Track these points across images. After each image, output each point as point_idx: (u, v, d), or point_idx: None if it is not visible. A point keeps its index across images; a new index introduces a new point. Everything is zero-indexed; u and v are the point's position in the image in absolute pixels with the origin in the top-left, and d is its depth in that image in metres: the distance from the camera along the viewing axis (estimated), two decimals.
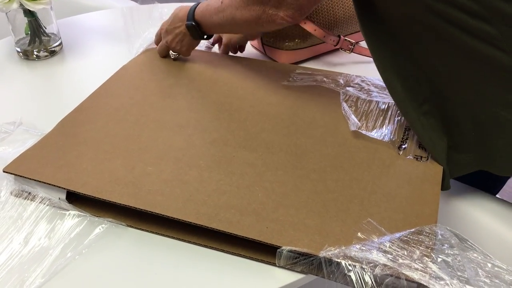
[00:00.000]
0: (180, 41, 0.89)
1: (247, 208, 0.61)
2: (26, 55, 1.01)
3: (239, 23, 0.78)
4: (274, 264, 0.58)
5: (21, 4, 0.92)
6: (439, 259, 0.54)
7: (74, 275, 0.57)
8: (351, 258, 0.55)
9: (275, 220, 0.60)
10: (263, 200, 0.63)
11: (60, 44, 1.05)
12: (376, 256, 0.55)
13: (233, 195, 0.63)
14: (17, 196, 0.66)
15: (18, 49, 1.01)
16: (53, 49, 1.03)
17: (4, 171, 0.66)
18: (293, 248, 0.56)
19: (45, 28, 1.02)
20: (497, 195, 0.97)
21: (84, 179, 0.65)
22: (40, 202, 0.65)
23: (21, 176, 0.65)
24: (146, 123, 0.76)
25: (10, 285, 0.56)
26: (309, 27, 0.93)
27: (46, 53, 1.02)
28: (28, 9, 0.94)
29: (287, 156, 0.70)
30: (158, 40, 0.96)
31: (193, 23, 0.85)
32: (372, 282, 0.54)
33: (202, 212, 0.60)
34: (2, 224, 0.63)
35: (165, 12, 1.10)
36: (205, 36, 0.88)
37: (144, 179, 0.65)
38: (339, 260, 0.55)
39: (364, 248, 0.56)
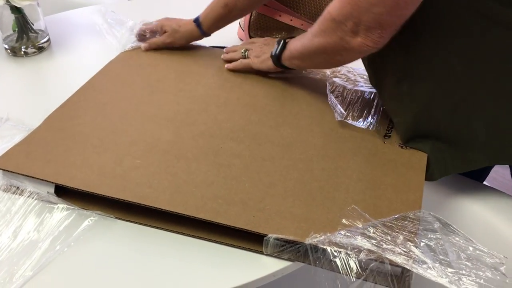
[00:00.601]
0: (263, 54, 0.88)
1: (234, 198, 0.62)
2: (14, 51, 1.01)
3: (316, 52, 0.72)
4: (261, 253, 0.59)
5: (7, 1, 0.92)
6: (422, 243, 0.56)
7: (63, 267, 0.58)
8: (336, 244, 0.56)
9: (261, 209, 0.61)
10: (250, 190, 0.63)
11: (48, 40, 1.05)
12: (361, 241, 0.56)
13: (220, 185, 0.64)
14: (5, 191, 0.67)
15: (6, 46, 1.01)
16: (41, 45, 1.03)
17: None
18: (280, 236, 0.57)
19: (33, 25, 1.02)
20: (484, 182, 0.98)
21: (72, 173, 0.65)
22: (28, 196, 0.65)
23: (9, 171, 0.66)
24: (133, 116, 0.76)
25: (0, 277, 0.56)
26: (284, 18, 0.94)
27: (34, 50, 1.02)
28: (15, 6, 0.94)
29: (274, 147, 0.70)
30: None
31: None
32: (357, 267, 0.55)
33: (189, 203, 0.61)
34: None
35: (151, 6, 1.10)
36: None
37: (132, 172, 0.66)
38: (324, 247, 0.56)
39: (349, 234, 0.57)
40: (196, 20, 0.94)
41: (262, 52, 0.87)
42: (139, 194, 0.62)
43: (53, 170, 0.66)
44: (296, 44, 0.78)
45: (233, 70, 0.90)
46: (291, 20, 0.96)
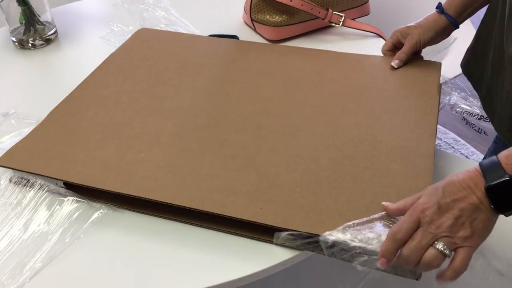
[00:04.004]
0: (470, 223, 0.52)
1: (241, 189, 0.62)
2: (22, 44, 1.02)
3: None
4: (270, 242, 0.59)
5: None
6: None
7: (73, 259, 0.59)
8: (349, 236, 0.55)
9: (268, 200, 0.61)
10: (256, 181, 0.63)
11: (55, 32, 1.05)
12: (372, 232, 0.55)
13: (226, 177, 0.64)
14: (16, 184, 0.67)
15: (14, 39, 1.02)
16: (48, 37, 1.03)
17: None
18: (293, 232, 0.57)
19: (39, 17, 1.02)
20: None
21: (77, 169, 0.65)
22: (39, 189, 0.66)
23: (14, 169, 0.66)
24: (136, 110, 0.76)
25: (11, 269, 0.57)
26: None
27: (41, 42, 1.02)
28: None
29: (279, 137, 0.70)
30: None
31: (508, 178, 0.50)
32: (368, 258, 0.55)
33: (195, 196, 0.61)
34: (2, 210, 0.64)
35: None
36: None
37: (137, 166, 0.66)
38: (339, 240, 0.55)
39: (359, 228, 0.56)
40: (439, 7, 0.85)
41: (461, 223, 0.52)
42: (144, 188, 0.62)
43: (58, 166, 0.66)
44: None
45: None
46: (291, 0, 0.94)
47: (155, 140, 0.70)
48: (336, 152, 0.67)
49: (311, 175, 0.64)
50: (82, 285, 0.56)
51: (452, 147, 1.74)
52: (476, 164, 0.52)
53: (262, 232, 0.60)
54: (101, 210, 0.64)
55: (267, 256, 0.58)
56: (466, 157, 1.66)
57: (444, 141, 1.76)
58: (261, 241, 0.60)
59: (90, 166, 0.66)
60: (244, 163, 0.66)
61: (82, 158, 0.67)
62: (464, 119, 0.99)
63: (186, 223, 0.62)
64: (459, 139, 1.77)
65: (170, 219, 0.63)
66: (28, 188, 0.67)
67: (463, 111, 0.89)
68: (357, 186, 0.62)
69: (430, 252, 0.52)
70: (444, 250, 0.51)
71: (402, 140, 0.69)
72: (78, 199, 0.65)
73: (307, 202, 0.60)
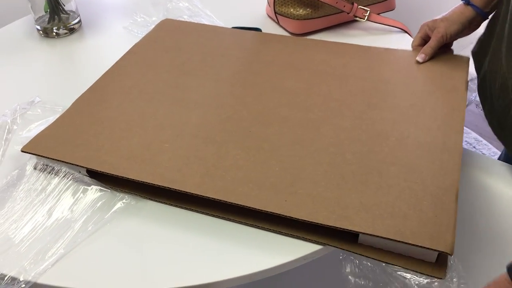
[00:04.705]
0: None
1: (265, 182, 0.62)
2: (46, 33, 1.02)
3: None
4: (292, 236, 0.59)
5: None
6: None
7: (95, 247, 0.59)
8: None
9: (293, 193, 0.60)
10: (281, 174, 0.63)
11: (79, 21, 1.05)
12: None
13: (250, 169, 0.63)
14: (40, 170, 0.68)
15: (38, 27, 1.02)
16: (72, 26, 1.03)
17: (22, 151, 0.67)
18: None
19: (64, 6, 1.02)
20: None
21: (102, 157, 0.65)
22: (63, 177, 0.66)
23: (39, 155, 0.67)
24: (160, 100, 0.76)
25: (33, 255, 0.57)
26: None
27: (65, 31, 1.03)
28: None
29: (303, 130, 0.69)
30: None
31: None
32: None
33: (219, 187, 0.61)
34: (26, 196, 0.64)
35: None
36: None
37: (161, 156, 0.66)
38: None
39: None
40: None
41: None
42: (168, 178, 0.62)
43: (82, 154, 0.66)
44: None
45: None
46: None
47: (179, 130, 0.70)
48: (362, 146, 0.66)
49: (336, 169, 0.63)
50: (103, 273, 0.56)
51: (474, 147, 1.72)
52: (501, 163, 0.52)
53: (286, 226, 0.59)
54: (124, 200, 0.64)
55: (289, 250, 0.58)
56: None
57: (466, 141, 1.73)
58: (283, 234, 0.59)
59: (114, 154, 0.66)
60: (268, 156, 0.65)
61: (107, 146, 0.67)
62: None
63: (209, 214, 0.62)
64: (480, 138, 1.74)
65: (193, 210, 0.62)
66: (52, 175, 0.67)
67: None
68: (382, 181, 0.61)
69: None
70: None
71: (429, 136, 0.67)
72: (101, 188, 0.65)
73: (332, 196, 0.60)
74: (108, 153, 0.66)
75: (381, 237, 0.54)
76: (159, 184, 0.62)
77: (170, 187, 0.61)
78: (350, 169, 0.63)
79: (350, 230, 0.56)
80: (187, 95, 0.77)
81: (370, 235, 0.55)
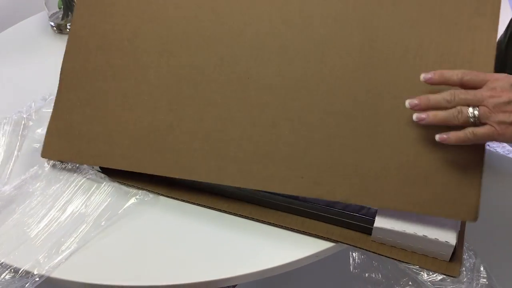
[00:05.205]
0: None
1: (276, 154, 0.58)
2: (60, 29, 1.03)
3: None
4: (304, 233, 0.58)
5: None
6: None
7: (107, 241, 0.59)
8: None
9: (308, 165, 0.57)
10: (292, 140, 0.58)
11: None
12: None
13: (259, 139, 0.60)
14: (56, 167, 0.68)
15: (52, 23, 1.03)
16: None
17: (42, 157, 0.68)
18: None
19: None
20: None
21: (116, 152, 0.64)
22: (79, 173, 0.67)
23: (58, 161, 0.67)
24: (161, 73, 0.66)
25: (47, 248, 0.58)
26: None
27: None
28: None
29: (307, 87, 0.60)
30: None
31: None
32: None
33: (236, 170, 0.59)
34: (42, 192, 0.65)
35: None
36: None
37: (168, 135, 0.63)
38: None
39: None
40: None
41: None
42: (183, 167, 0.61)
43: (96, 152, 0.65)
44: None
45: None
46: None
47: (175, 96, 0.64)
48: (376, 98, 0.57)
49: (349, 132, 0.57)
50: (116, 268, 0.57)
51: (488, 145, 1.69)
52: None
53: (297, 222, 0.59)
54: (138, 196, 0.64)
55: (301, 247, 0.58)
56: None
57: None
58: (295, 231, 0.59)
59: (123, 145, 0.64)
60: (274, 114, 0.60)
61: (115, 135, 0.65)
62: None
63: (221, 211, 0.62)
64: None
65: (205, 206, 0.62)
66: (68, 171, 0.67)
67: None
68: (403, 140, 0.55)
69: (459, 108, 0.50)
70: (471, 114, 0.50)
71: None
72: (115, 184, 0.65)
73: (350, 163, 0.56)
74: (119, 145, 0.64)
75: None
76: (176, 176, 0.61)
77: (188, 178, 0.61)
78: (365, 127, 0.56)
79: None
80: (172, 62, 0.66)
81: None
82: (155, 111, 0.64)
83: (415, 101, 0.52)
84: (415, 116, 0.52)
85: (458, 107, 0.50)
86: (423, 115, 0.52)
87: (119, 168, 0.63)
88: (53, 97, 0.81)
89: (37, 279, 0.55)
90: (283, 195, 0.60)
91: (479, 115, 0.49)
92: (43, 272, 0.56)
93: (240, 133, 0.60)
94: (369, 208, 0.58)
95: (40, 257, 0.57)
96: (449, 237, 0.53)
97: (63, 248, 0.58)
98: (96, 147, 0.66)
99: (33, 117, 0.78)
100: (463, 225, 0.57)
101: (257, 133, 0.60)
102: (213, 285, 0.56)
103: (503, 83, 0.50)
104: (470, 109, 0.50)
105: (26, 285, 0.54)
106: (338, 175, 0.56)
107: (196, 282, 0.55)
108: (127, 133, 0.65)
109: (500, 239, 0.74)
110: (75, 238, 0.59)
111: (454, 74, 0.51)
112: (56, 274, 0.56)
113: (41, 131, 0.74)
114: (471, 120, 0.50)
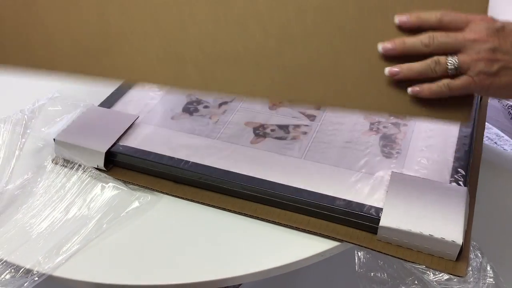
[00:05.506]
0: (501, 67, 0.45)
1: (243, 55, 0.52)
2: None
3: None
4: (309, 232, 0.58)
5: None
6: None
7: (108, 242, 0.59)
8: None
9: (280, 66, 0.51)
10: (261, 40, 0.51)
11: None
12: None
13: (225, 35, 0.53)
14: (60, 166, 0.68)
15: None
16: None
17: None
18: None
19: None
20: None
21: (57, 56, 0.58)
22: (83, 172, 0.66)
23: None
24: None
25: (49, 249, 0.58)
26: None
27: None
28: None
29: None
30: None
31: None
32: None
33: (218, 78, 0.52)
34: (46, 192, 0.65)
35: None
36: None
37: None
38: None
39: None
40: None
41: (497, 59, 0.45)
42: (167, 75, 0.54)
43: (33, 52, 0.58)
44: None
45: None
46: None
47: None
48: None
49: (328, 25, 0.50)
50: (116, 268, 0.56)
51: (495, 142, 1.69)
52: None
53: (303, 222, 0.58)
54: (141, 199, 0.64)
55: (306, 247, 0.57)
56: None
57: (487, 136, 1.70)
58: (300, 231, 0.58)
59: (65, 46, 0.57)
60: (240, 12, 0.53)
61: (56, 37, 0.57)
62: (510, 113, 0.96)
63: (225, 209, 0.61)
64: (502, 134, 1.71)
65: (209, 205, 0.62)
66: (72, 171, 0.67)
67: (507, 105, 0.86)
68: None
69: (436, 59, 0.46)
70: (451, 65, 0.45)
71: None
72: (118, 186, 0.65)
73: (327, 65, 0.49)
74: (59, 47, 0.57)
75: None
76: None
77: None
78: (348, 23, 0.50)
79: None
80: None
81: None
82: (103, 12, 0.57)
83: (388, 45, 0.47)
84: (387, 70, 0.47)
85: (435, 57, 0.46)
86: (395, 68, 0.47)
87: (62, 71, 0.57)
88: (58, 95, 0.82)
89: (37, 278, 0.55)
90: (287, 192, 0.59)
91: (459, 65, 0.45)
92: (43, 271, 0.56)
93: (201, 33, 0.54)
94: (371, 208, 0.57)
95: (40, 257, 0.57)
96: (456, 236, 0.52)
97: (64, 249, 0.58)
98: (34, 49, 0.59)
99: (37, 116, 0.77)
100: (469, 224, 0.56)
101: (220, 33, 0.53)
102: (217, 284, 0.55)
103: (488, 25, 0.45)
104: (450, 58, 0.45)
105: (25, 284, 0.54)
106: (314, 77, 0.50)
107: (201, 281, 0.55)
108: (70, 35, 0.57)
109: (507, 238, 0.74)
110: (77, 239, 0.59)
111: (433, 15, 0.46)
112: (57, 273, 0.56)
113: (46, 129, 0.74)
114: (450, 72, 0.45)
